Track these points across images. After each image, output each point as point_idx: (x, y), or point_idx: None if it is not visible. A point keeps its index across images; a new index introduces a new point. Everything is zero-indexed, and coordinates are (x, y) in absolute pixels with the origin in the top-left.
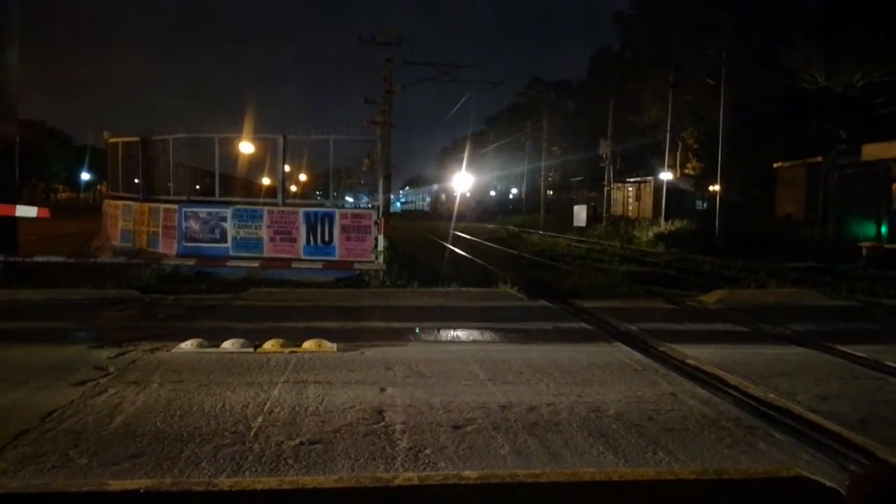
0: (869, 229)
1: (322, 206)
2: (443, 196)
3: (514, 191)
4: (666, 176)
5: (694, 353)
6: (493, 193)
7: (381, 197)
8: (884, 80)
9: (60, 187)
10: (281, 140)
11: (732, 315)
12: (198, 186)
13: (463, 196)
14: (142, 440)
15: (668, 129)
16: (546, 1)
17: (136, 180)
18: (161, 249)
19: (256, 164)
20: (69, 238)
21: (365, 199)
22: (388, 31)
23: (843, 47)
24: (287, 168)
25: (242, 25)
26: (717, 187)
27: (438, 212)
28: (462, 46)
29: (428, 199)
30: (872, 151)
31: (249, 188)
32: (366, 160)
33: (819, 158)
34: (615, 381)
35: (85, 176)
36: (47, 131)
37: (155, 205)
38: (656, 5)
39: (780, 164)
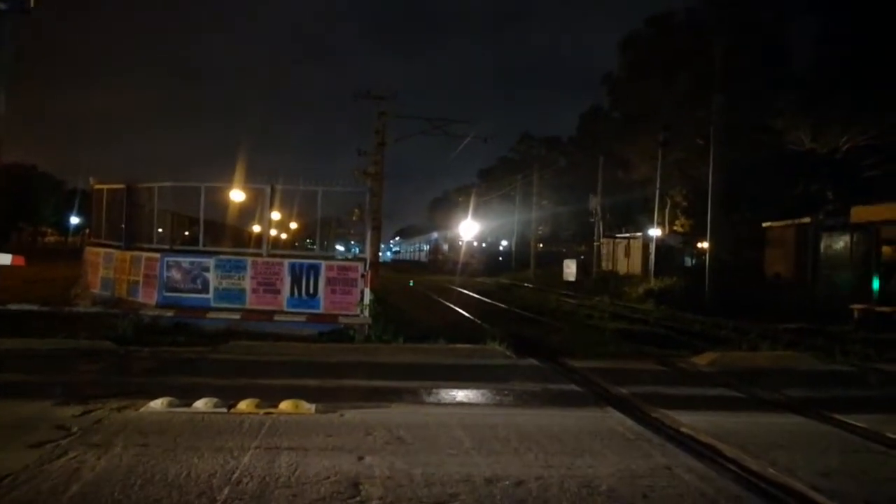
0: (859, 291)
1: (309, 256)
2: (444, 246)
3: (505, 243)
4: (655, 232)
5: (688, 421)
6: (483, 245)
7: (368, 249)
8: (869, 144)
9: (49, 231)
10: (268, 190)
11: (726, 379)
12: (187, 233)
13: (468, 245)
14: None
15: (658, 187)
16: (537, 59)
17: (124, 226)
18: (141, 299)
19: (248, 212)
20: (54, 283)
21: (356, 250)
22: (382, 85)
23: (829, 112)
24: (278, 216)
25: (238, 74)
26: (705, 244)
27: (438, 263)
28: (455, 101)
29: (425, 249)
30: (861, 214)
31: (239, 236)
32: (356, 210)
33: (807, 219)
34: (607, 451)
35: (74, 220)
36: (38, 175)
37: (137, 253)
38: (643, 68)
39: (769, 223)
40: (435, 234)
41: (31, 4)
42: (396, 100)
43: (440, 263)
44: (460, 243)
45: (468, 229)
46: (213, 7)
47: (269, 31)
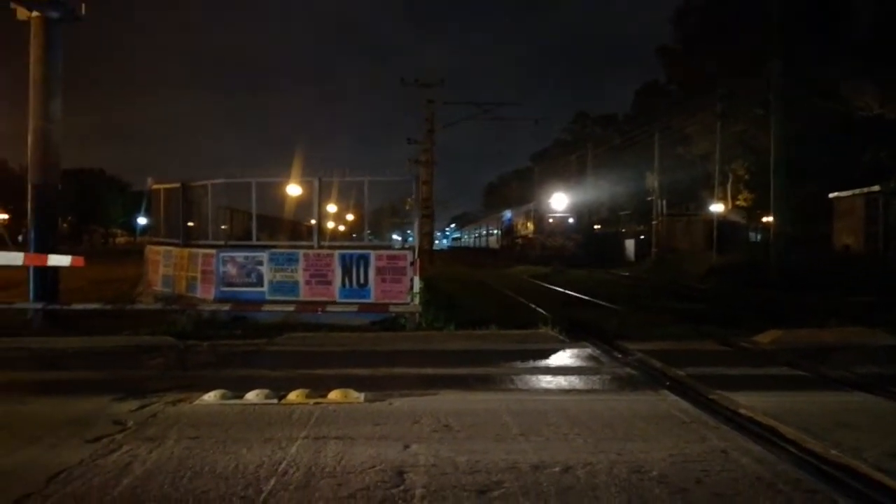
0: None
1: (358, 247)
2: (525, 225)
3: None
4: (717, 208)
5: (747, 402)
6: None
7: (416, 237)
8: None
9: (119, 232)
10: (316, 183)
11: (789, 357)
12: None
13: (562, 223)
14: None
15: (718, 161)
16: (590, 36)
17: (190, 224)
18: (199, 294)
19: (304, 206)
20: (122, 282)
21: (412, 239)
22: (431, 71)
23: None
24: (334, 208)
25: (288, 71)
26: (770, 219)
27: (516, 248)
28: (504, 84)
29: (495, 233)
30: None
31: (297, 229)
32: (409, 199)
33: (877, 187)
34: (660, 435)
35: (141, 220)
36: (106, 179)
37: (194, 250)
38: (700, 39)
39: (836, 194)
40: (508, 213)
41: (83, 11)
42: (445, 86)
43: (520, 249)
44: (550, 220)
45: (560, 202)
46: (258, 5)
47: (313, 24)
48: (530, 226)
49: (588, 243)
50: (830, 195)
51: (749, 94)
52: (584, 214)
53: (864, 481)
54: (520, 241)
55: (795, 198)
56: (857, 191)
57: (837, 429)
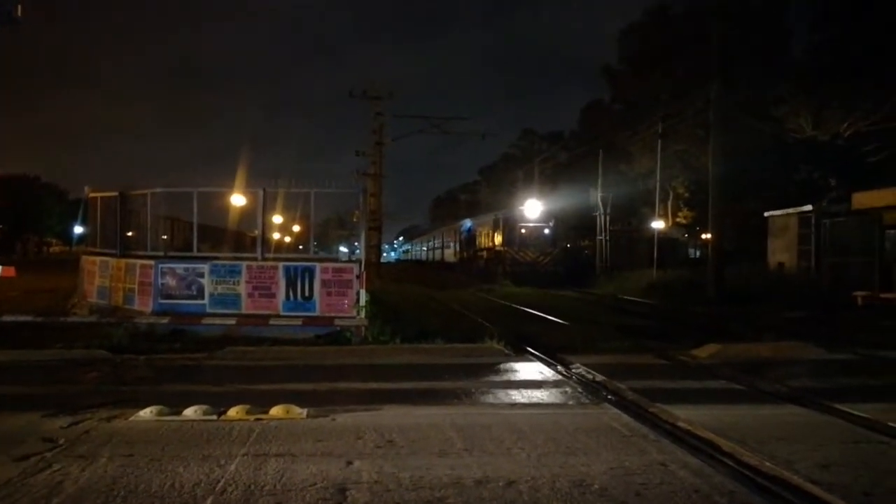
0: (863, 278)
1: (303, 259)
2: (490, 237)
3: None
4: (657, 225)
5: (686, 415)
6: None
7: (363, 249)
8: (871, 129)
9: (54, 241)
10: (261, 193)
11: (726, 371)
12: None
13: (537, 233)
14: None
15: (658, 179)
16: (539, 53)
17: (118, 233)
18: (137, 307)
19: (249, 216)
20: (55, 293)
21: (359, 251)
22: (379, 84)
23: (830, 97)
24: (280, 219)
25: (233, 78)
26: (708, 236)
27: (478, 262)
28: (453, 97)
29: (451, 245)
30: (862, 200)
31: (241, 240)
32: (356, 211)
33: (809, 207)
34: (601, 448)
35: (78, 229)
36: (42, 186)
37: (132, 261)
38: (643, 59)
39: (771, 213)
40: (469, 222)
41: (19, 13)
42: (394, 97)
43: (484, 263)
44: (523, 230)
45: (534, 210)
46: (204, 6)
47: (263, 28)
48: (498, 237)
49: (566, 259)
50: (766, 214)
51: (690, 114)
52: (559, 224)
53: (796, 493)
54: (484, 254)
55: (733, 215)
56: (790, 210)
57: (772, 441)
